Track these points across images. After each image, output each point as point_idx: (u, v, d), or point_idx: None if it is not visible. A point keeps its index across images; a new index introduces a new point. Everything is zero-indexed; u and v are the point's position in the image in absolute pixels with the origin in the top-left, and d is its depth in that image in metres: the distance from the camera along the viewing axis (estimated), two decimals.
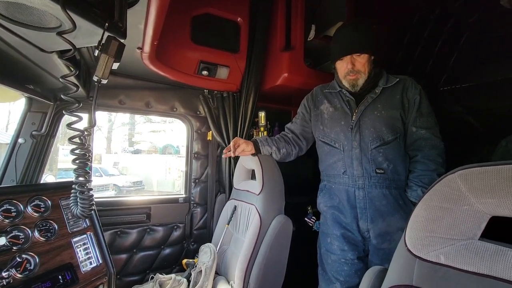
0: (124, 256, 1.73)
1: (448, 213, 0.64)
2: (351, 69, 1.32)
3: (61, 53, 0.99)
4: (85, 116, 1.71)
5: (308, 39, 1.92)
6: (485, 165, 0.60)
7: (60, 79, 0.77)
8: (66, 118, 1.67)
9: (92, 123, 0.97)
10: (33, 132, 1.48)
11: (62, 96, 0.77)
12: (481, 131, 1.76)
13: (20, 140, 1.45)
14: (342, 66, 1.36)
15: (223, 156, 1.54)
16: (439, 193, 0.66)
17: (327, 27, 1.97)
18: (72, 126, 0.81)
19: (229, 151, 1.49)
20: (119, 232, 1.72)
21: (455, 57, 1.93)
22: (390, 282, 0.71)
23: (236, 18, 1.81)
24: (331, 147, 1.43)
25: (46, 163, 1.58)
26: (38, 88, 1.38)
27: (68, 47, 0.88)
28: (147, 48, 1.28)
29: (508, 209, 0.56)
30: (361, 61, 1.31)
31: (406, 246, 0.70)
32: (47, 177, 1.73)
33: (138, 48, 1.30)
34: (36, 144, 1.50)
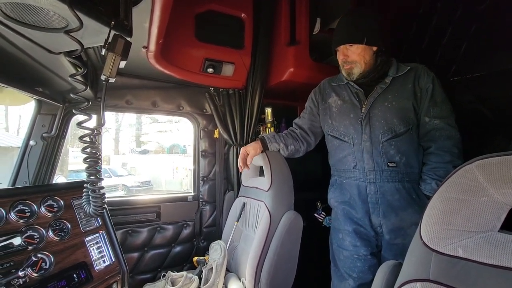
0: (135, 254, 1.75)
1: (466, 205, 0.62)
2: (344, 59, 1.34)
3: (69, 54, 0.99)
4: (93, 116, 1.73)
5: (314, 33, 1.90)
6: (504, 155, 0.58)
7: (69, 78, 0.77)
8: (75, 120, 1.69)
9: (101, 122, 0.98)
10: (44, 134, 1.50)
11: (71, 95, 0.77)
12: (493, 121, 1.71)
13: (31, 142, 1.47)
14: (339, 58, 1.38)
15: (239, 170, 1.54)
16: (455, 184, 0.64)
17: (332, 19, 1.94)
18: (82, 125, 0.82)
19: (242, 164, 1.49)
20: (130, 231, 1.74)
21: (465, 47, 1.88)
22: (406, 277, 0.70)
23: (240, 14, 1.80)
24: (341, 141, 1.40)
25: (57, 164, 1.60)
26: (47, 90, 1.40)
27: (75, 47, 0.89)
28: (152, 47, 1.28)
29: None
30: (355, 51, 1.31)
31: (422, 239, 0.68)
32: (59, 178, 1.75)
33: (144, 47, 1.30)
34: (47, 146, 1.53)
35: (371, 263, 1.28)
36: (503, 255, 0.55)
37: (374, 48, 1.32)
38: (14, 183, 1.43)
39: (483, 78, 1.80)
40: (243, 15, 1.79)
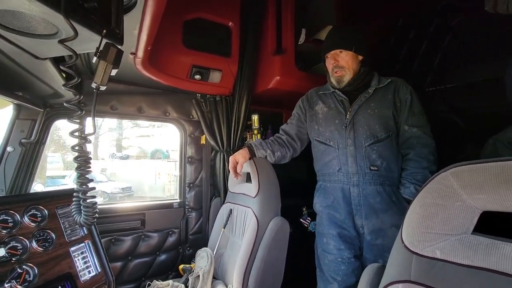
0: (118, 264, 1.69)
1: (442, 210, 0.67)
2: (335, 64, 1.42)
3: (54, 60, 0.97)
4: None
5: (299, 43, 1.96)
6: (475, 163, 0.63)
7: (63, 87, 0.76)
8: (55, 125, 1.64)
9: (83, 130, 0.96)
10: (22, 140, 1.44)
11: (65, 104, 0.76)
12: (465, 129, 1.84)
13: (8, 149, 1.41)
14: (329, 63, 1.46)
15: (231, 178, 1.56)
16: (433, 190, 0.69)
17: (316, 30, 2.02)
18: (74, 134, 0.80)
19: (234, 173, 1.52)
20: (113, 240, 1.69)
21: (439, 59, 2.01)
22: (389, 279, 0.73)
23: (227, 22, 1.83)
24: (326, 146, 1.46)
25: (36, 171, 1.54)
26: (28, 95, 1.35)
27: (62, 53, 0.88)
28: (140, 53, 1.28)
29: (497, 204, 0.60)
30: (344, 57, 1.41)
31: (403, 242, 0.72)
32: (36, 186, 1.68)
33: (132, 53, 1.29)
34: (26, 152, 1.46)
35: (354, 266, 1.33)
36: (475, 256, 0.60)
37: (360, 58, 1.43)
38: None
39: (456, 89, 1.93)
40: (230, 23, 1.83)
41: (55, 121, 1.58)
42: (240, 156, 1.51)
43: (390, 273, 0.74)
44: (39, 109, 1.45)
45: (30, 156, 1.49)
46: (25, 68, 1.01)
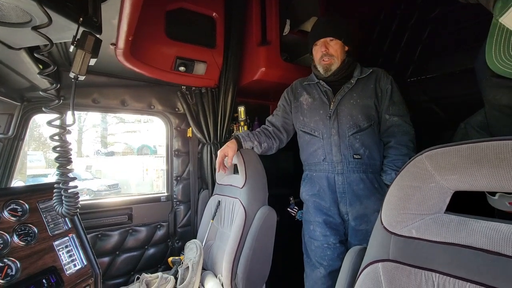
0: (106, 259, 1.68)
1: (418, 191, 0.70)
2: (324, 52, 1.43)
3: (30, 50, 0.94)
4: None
5: (284, 34, 1.96)
6: (448, 146, 0.67)
7: (38, 75, 0.74)
8: (34, 120, 1.58)
9: (63, 122, 0.93)
10: None
11: (40, 92, 0.74)
12: (444, 118, 1.91)
13: None
14: (317, 52, 1.47)
15: (220, 171, 1.56)
16: (409, 173, 0.72)
17: (301, 21, 2.02)
18: (53, 123, 0.78)
19: (222, 167, 1.53)
20: (99, 235, 1.67)
21: (420, 50, 2.06)
22: (369, 259, 0.77)
23: (211, 13, 1.80)
24: (311, 136, 1.49)
25: (16, 167, 1.49)
26: (3, 88, 1.29)
27: (37, 43, 0.85)
28: (121, 44, 1.24)
29: (467, 183, 0.63)
30: (334, 46, 1.43)
31: (382, 224, 0.75)
32: (16, 183, 1.63)
33: (112, 44, 1.26)
34: (3, 148, 1.41)
35: (339, 251, 1.38)
36: (447, 232, 0.64)
37: (346, 48, 1.46)
38: None
39: (435, 79, 1.99)
40: (214, 14, 1.80)
41: (33, 116, 1.53)
42: (229, 150, 1.51)
43: (370, 254, 0.78)
44: (15, 103, 1.39)
45: (8, 152, 1.44)
46: None
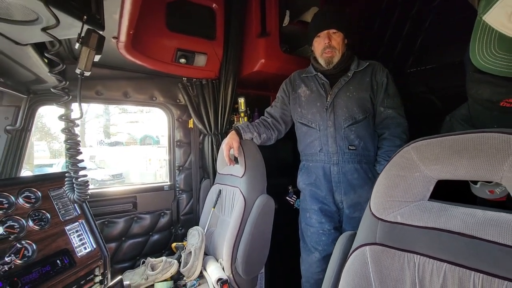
0: (113, 244, 1.76)
1: (404, 180, 0.75)
2: (327, 44, 1.42)
3: (36, 45, 0.98)
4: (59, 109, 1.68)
5: (283, 25, 1.97)
6: (432, 137, 0.71)
7: (49, 74, 0.78)
8: (39, 113, 1.63)
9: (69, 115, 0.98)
10: (7, 127, 1.44)
11: (52, 90, 0.79)
12: (441, 108, 1.93)
13: None
14: (320, 43, 1.46)
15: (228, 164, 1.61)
16: (396, 163, 0.77)
17: (301, 12, 2.02)
18: (63, 118, 0.83)
19: (230, 160, 1.57)
20: (106, 222, 1.75)
21: (421, 40, 2.06)
22: (358, 242, 0.82)
23: (211, 4, 1.81)
24: (308, 128, 1.53)
25: (24, 158, 1.55)
26: (9, 81, 1.34)
27: (43, 39, 0.89)
28: (123, 37, 1.27)
29: (450, 173, 0.68)
30: (337, 39, 1.43)
31: (371, 210, 0.81)
32: (25, 173, 1.69)
33: (114, 37, 1.29)
34: (12, 139, 1.47)
35: (334, 237, 1.44)
36: (429, 218, 0.69)
37: (346, 41, 1.47)
38: None
39: (434, 70, 1.99)
40: (214, 5, 1.81)
41: (39, 107, 1.58)
42: (233, 141, 1.55)
43: (359, 238, 0.84)
44: (22, 95, 1.44)
45: (16, 143, 1.49)
46: (5, 54, 1.01)
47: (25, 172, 1.72)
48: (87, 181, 0.95)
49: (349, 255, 0.83)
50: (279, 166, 2.20)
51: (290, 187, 1.96)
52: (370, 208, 0.81)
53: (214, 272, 1.48)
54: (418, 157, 0.72)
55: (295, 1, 2.05)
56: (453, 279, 0.62)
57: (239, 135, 1.60)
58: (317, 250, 1.45)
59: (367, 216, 0.83)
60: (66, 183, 0.96)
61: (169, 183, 2.04)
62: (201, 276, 1.54)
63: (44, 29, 0.67)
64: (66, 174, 0.95)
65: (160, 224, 1.96)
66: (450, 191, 0.90)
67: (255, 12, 1.85)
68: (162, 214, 1.97)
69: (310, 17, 1.59)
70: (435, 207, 0.70)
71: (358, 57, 1.53)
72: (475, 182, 0.91)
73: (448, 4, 1.85)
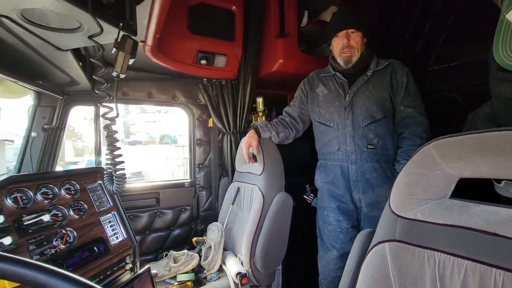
0: (138, 237, 1.83)
1: (424, 178, 0.75)
2: (346, 44, 1.43)
3: (74, 51, 1.07)
4: (90, 108, 1.79)
5: (302, 25, 1.98)
6: (454, 136, 0.71)
7: (94, 77, 0.87)
8: (72, 112, 1.75)
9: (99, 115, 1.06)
10: (45, 126, 1.56)
11: (95, 91, 0.87)
12: (465, 107, 1.87)
13: (33, 134, 1.54)
14: (338, 43, 1.47)
15: (247, 162, 1.67)
16: (417, 161, 0.77)
17: (319, 12, 2.03)
18: (106, 116, 0.92)
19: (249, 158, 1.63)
20: (131, 216, 1.84)
21: (444, 38, 2.01)
22: (377, 239, 0.84)
23: (230, 6, 1.86)
24: (327, 127, 1.54)
25: (58, 154, 1.67)
26: (47, 83, 1.45)
27: (81, 45, 0.97)
28: (150, 41, 1.35)
29: (471, 171, 0.68)
30: (355, 38, 1.43)
31: (390, 208, 0.82)
32: (57, 169, 1.82)
33: (141, 41, 1.36)
34: (48, 137, 1.59)
35: (352, 235, 1.45)
36: (450, 215, 0.69)
37: (365, 40, 1.47)
38: (18, 172, 1.50)
39: (458, 68, 1.94)
40: (233, 7, 1.86)
41: (72, 108, 1.70)
42: (252, 140, 1.59)
43: (378, 235, 0.85)
44: (58, 96, 1.56)
45: (52, 140, 1.61)
46: (47, 58, 1.11)
47: (58, 168, 1.84)
48: (125, 174, 1.03)
49: (367, 251, 0.85)
50: (297, 164, 2.22)
51: (307, 186, 1.98)
52: (390, 206, 0.83)
53: (233, 266, 1.53)
54: (439, 155, 0.73)
55: (314, 0, 2.06)
56: (474, 276, 0.62)
57: (258, 133, 1.64)
58: (334, 248, 1.47)
59: (387, 213, 0.84)
60: (105, 176, 1.05)
61: (189, 180, 2.12)
62: (220, 269, 1.60)
63: (90, 37, 0.74)
64: (106, 167, 1.04)
65: (181, 219, 2.04)
66: (472, 190, 0.90)
67: (273, 13, 1.88)
68: (183, 209, 2.05)
69: (329, 17, 1.61)
70: (456, 205, 0.71)
71: (377, 56, 1.52)
72: (499, 181, 0.90)
73: (470, 2, 1.80)
